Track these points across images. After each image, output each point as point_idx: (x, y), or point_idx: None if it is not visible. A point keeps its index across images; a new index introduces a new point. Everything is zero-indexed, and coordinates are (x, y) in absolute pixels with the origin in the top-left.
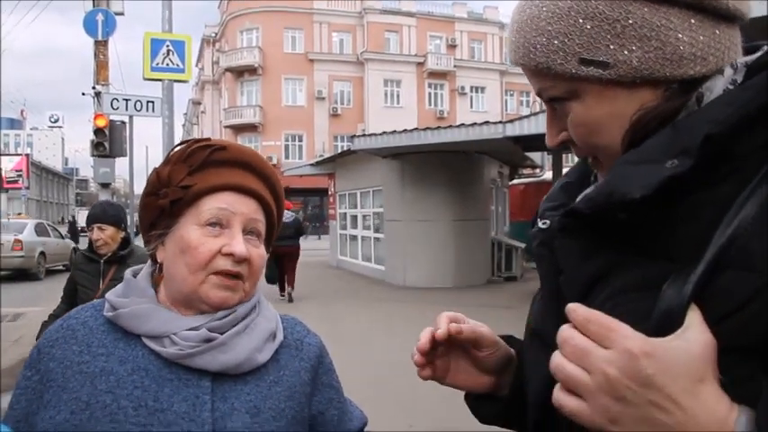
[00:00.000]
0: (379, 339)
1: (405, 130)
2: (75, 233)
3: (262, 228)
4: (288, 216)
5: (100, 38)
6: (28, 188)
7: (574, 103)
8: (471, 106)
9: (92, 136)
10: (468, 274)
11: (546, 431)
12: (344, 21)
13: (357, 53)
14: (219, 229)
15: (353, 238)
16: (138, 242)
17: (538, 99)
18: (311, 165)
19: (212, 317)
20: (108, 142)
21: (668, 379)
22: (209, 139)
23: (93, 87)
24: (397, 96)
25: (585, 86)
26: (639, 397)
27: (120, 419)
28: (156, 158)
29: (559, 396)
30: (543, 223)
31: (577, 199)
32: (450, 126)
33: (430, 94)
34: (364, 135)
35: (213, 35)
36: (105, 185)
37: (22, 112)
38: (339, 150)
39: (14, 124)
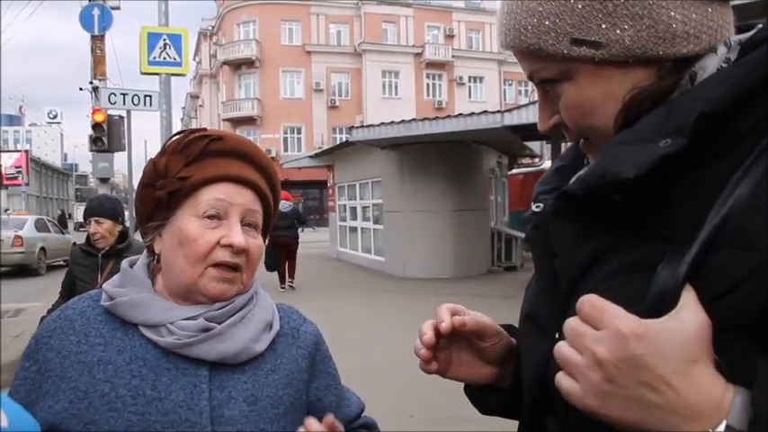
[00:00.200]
0: (380, 330)
1: (403, 121)
2: (64, 225)
3: (259, 218)
4: (285, 206)
5: (96, 32)
6: (28, 184)
7: (566, 85)
8: (470, 96)
9: (90, 131)
10: (468, 265)
11: (541, 414)
12: (341, 12)
13: (355, 44)
14: (217, 220)
15: (353, 229)
16: (138, 236)
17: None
18: (310, 157)
19: (210, 307)
20: (106, 137)
21: (659, 360)
22: (205, 130)
23: (91, 82)
24: (396, 87)
25: (578, 67)
26: (629, 377)
27: (118, 408)
28: (155, 153)
29: (558, 377)
30: (537, 206)
31: (570, 181)
32: (449, 116)
33: (428, 84)
34: (362, 126)
35: (210, 28)
36: (104, 180)
37: (20, 108)
38: (338, 142)
39: (13, 120)
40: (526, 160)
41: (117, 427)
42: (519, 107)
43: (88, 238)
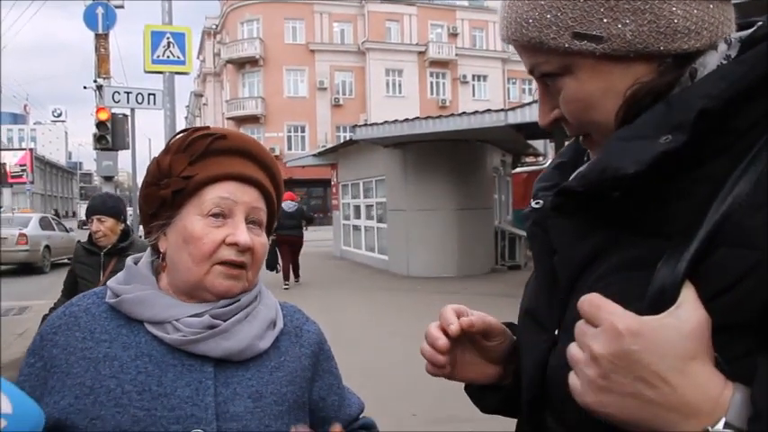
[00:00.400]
0: (383, 329)
1: (406, 120)
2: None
3: (263, 216)
4: (290, 206)
5: (100, 31)
6: (32, 182)
7: (567, 79)
8: (473, 95)
9: (94, 129)
10: (472, 263)
11: (540, 411)
12: (345, 10)
13: (358, 43)
14: (222, 218)
15: (357, 228)
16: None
17: None
18: (313, 155)
19: (215, 304)
20: (110, 135)
21: (655, 357)
22: (208, 128)
23: (95, 81)
24: (399, 86)
25: (579, 61)
26: (625, 374)
27: (124, 404)
28: (159, 151)
29: (569, 375)
30: (536, 203)
31: (570, 177)
32: (452, 114)
33: (432, 83)
34: (366, 125)
35: (214, 27)
36: (108, 178)
37: (25, 106)
38: (342, 141)
39: (18, 119)
40: (530, 159)
41: (123, 423)
42: (522, 105)
43: (90, 236)
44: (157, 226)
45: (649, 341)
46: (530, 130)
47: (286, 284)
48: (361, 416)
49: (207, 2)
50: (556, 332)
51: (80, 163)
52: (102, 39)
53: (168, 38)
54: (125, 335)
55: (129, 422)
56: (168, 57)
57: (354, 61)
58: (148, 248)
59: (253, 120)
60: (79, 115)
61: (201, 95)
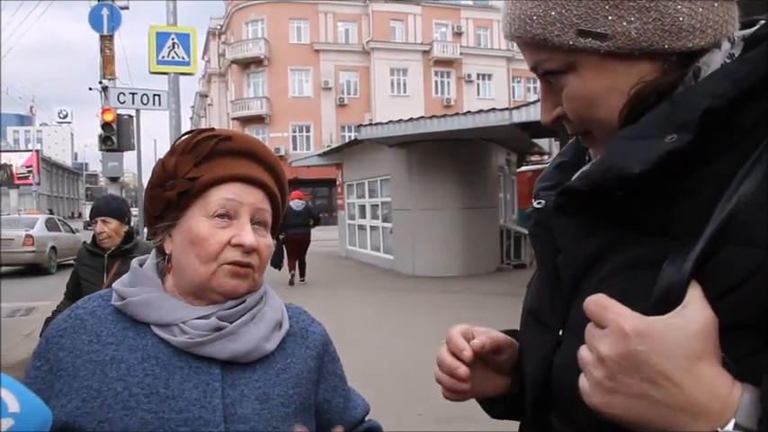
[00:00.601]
0: (388, 328)
1: (411, 119)
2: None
3: (268, 217)
4: (298, 204)
5: (105, 32)
6: (39, 184)
7: (570, 76)
8: (478, 94)
9: (100, 131)
10: (477, 263)
11: (545, 411)
12: (349, 10)
13: (363, 42)
14: (228, 219)
15: (362, 227)
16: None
17: None
18: (318, 155)
19: (221, 306)
20: (116, 136)
21: (661, 357)
22: (213, 130)
23: (100, 82)
24: (404, 85)
25: (583, 59)
26: (631, 374)
27: (131, 406)
28: (164, 152)
29: (580, 377)
30: (538, 203)
31: (573, 177)
32: (457, 114)
33: (436, 82)
34: (371, 124)
35: (219, 27)
36: (114, 179)
37: (31, 108)
38: (346, 140)
39: (24, 120)
40: (535, 157)
41: (130, 426)
42: (527, 104)
43: (94, 238)
44: (163, 227)
45: (656, 342)
46: (535, 128)
47: (291, 282)
48: (366, 418)
49: (211, 2)
50: (560, 332)
51: (86, 164)
52: (107, 40)
53: (173, 39)
54: (131, 337)
55: (137, 425)
56: (173, 57)
57: (359, 61)
58: (153, 250)
59: (258, 120)
60: (85, 116)
61: (206, 96)
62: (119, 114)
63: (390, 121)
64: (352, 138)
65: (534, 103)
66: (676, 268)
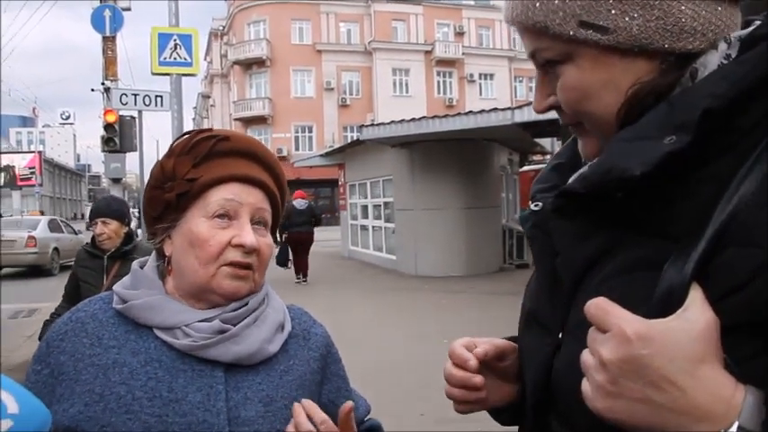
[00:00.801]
0: (391, 328)
1: (413, 119)
2: None
3: (268, 217)
4: (301, 204)
5: (108, 34)
6: (41, 185)
7: (567, 67)
8: (480, 93)
9: (102, 132)
10: (480, 262)
11: (545, 414)
12: (351, 10)
13: (365, 43)
14: (228, 220)
15: (364, 228)
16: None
17: None
18: (321, 156)
19: (224, 309)
20: (118, 138)
21: (664, 360)
22: (211, 130)
23: (103, 83)
24: (406, 85)
25: (582, 50)
26: (634, 378)
27: (135, 410)
28: None
29: (582, 381)
30: (535, 205)
31: (571, 179)
32: (459, 114)
33: (438, 82)
34: (373, 125)
35: (221, 28)
36: (116, 180)
37: (33, 109)
38: (349, 141)
39: (27, 122)
40: (537, 157)
41: (134, 429)
42: (529, 104)
43: (93, 239)
44: (162, 229)
45: (658, 345)
46: (537, 128)
47: (297, 279)
48: (367, 418)
49: (214, 3)
50: (559, 335)
51: (88, 165)
52: (109, 41)
53: (175, 40)
54: (133, 341)
55: (141, 429)
56: (175, 58)
57: (361, 61)
58: (153, 252)
59: (260, 120)
60: (87, 118)
61: (209, 97)
62: (121, 115)
63: (392, 122)
64: (355, 138)
65: None
66: (677, 270)
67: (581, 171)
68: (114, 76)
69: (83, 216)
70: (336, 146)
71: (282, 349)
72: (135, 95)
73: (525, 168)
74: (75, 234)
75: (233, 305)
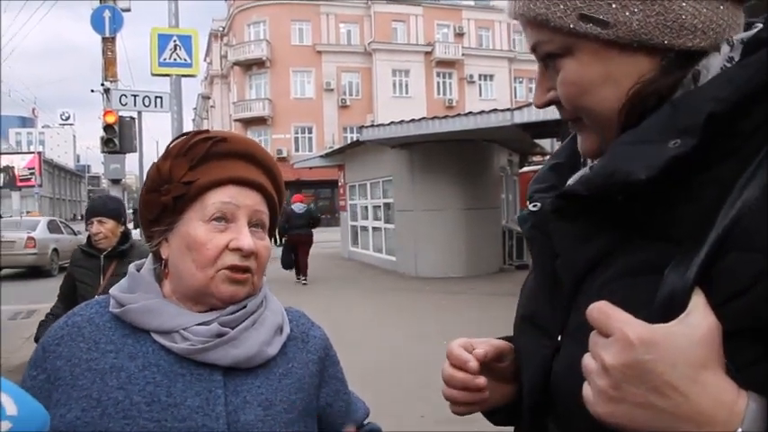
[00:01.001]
0: (391, 329)
1: (413, 120)
2: None
3: (266, 219)
4: (300, 207)
5: (107, 34)
6: (41, 186)
7: (568, 60)
8: (480, 94)
9: (102, 133)
10: (480, 263)
11: (543, 417)
12: (351, 11)
13: (365, 44)
14: (225, 223)
15: (364, 229)
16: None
17: None
18: (321, 157)
19: (222, 312)
20: (118, 138)
21: (667, 366)
22: (208, 131)
23: (102, 84)
24: (406, 86)
25: (582, 44)
26: (636, 383)
27: (133, 415)
28: None
29: (584, 385)
30: (534, 206)
31: (571, 180)
32: (459, 114)
33: (438, 83)
34: (372, 126)
35: (221, 29)
36: (116, 181)
37: (33, 110)
38: (349, 141)
39: (26, 122)
40: (537, 158)
41: None
42: (529, 105)
43: (89, 239)
44: (159, 232)
45: (661, 350)
46: (536, 129)
47: (298, 279)
48: (366, 421)
49: (213, 4)
50: (559, 338)
51: (88, 166)
52: (109, 42)
53: (175, 40)
54: (131, 345)
55: None
56: (175, 59)
57: (361, 62)
58: (150, 255)
59: (260, 121)
60: (87, 118)
61: (209, 98)
62: (121, 116)
63: (392, 122)
64: (355, 139)
65: None
66: (679, 274)
67: (582, 173)
68: (114, 76)
69: (82, 217)
70: (336, 147)
71: (281, 352)
72: (135, 96)
73: (525, 169)
74: (75, 235)
75: (231, 308)
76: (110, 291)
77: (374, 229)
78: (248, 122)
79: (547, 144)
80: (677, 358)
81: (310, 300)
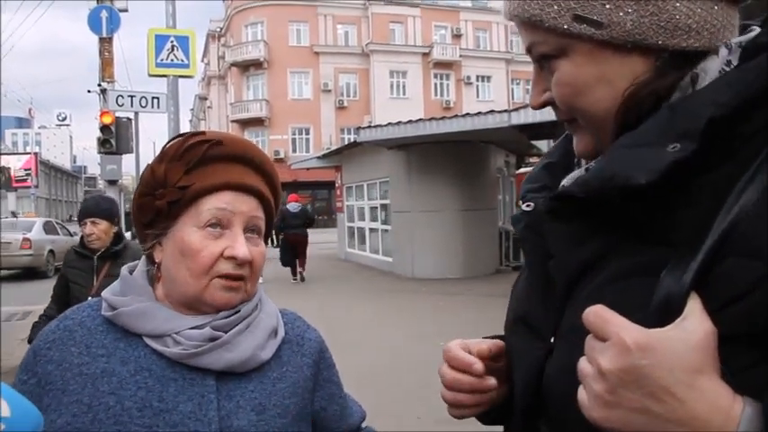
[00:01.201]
0: (387, 331)
1: (410, 121)
2: None
3: (262, 224)
4: (295, 207)
5: (104, 35)
6: (37, 186)
7: (562, 61)
8: (477, 96)
9: (98, 133)
10: (476, 264)
11: (535, 419)
12: (349, 12)
13: (362, 45)
14: (220, 229)
15: (361, 230)
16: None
17: None
18: (318, 158)
19: (215, 316)
20: (114, 139)
21: (663, 371)
22: (204, 133)
23: (99, 84)
24: (403, 87)
25: (576, 45)
26: (632, 388)
27: (124, 421)
28: None
29: (579, 389)
30: (527, 206)
31: (566, 182)
32: (456, 116)
33: (436, 84)
34: (369, 127)
35: (218, 30)
36: (112, 182)
37: (29, 110)
38: (346, 143)
39: (23, 123)
40: (533, 159)
41: None
42: (526, 106)
43: (82, 239)
44: (152, 235)
45: (657, 355)
46: (533, 130)
47: (294, 279)
48: (363, 425)
49: (211, 5)
50: (551, 339)
51: (84, 167)
52: (106, 42)
53: (172, 41)
54: (123, 349)
55: None
56: (172, 60)
57: (358, 63)
58: (143, 257)
59: (257, 122)
60: (83, 119)
61: (206, 98)
62: (117, 117)
63: (389, 124)
64: (352, 140)
65: None
66: (675, 279)
67: (578, 174)
68: (111, 77)
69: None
70: (333, 148)
71: (275, 355)
72: (131, 97)
73: (522, 170)
74: (71, 236)
75: (224, 312)
76: (102, 294)
77: (371, 230)
78: (245, 123)
79: (544, 145)
80: (674, 363)
81: (306, 301)
